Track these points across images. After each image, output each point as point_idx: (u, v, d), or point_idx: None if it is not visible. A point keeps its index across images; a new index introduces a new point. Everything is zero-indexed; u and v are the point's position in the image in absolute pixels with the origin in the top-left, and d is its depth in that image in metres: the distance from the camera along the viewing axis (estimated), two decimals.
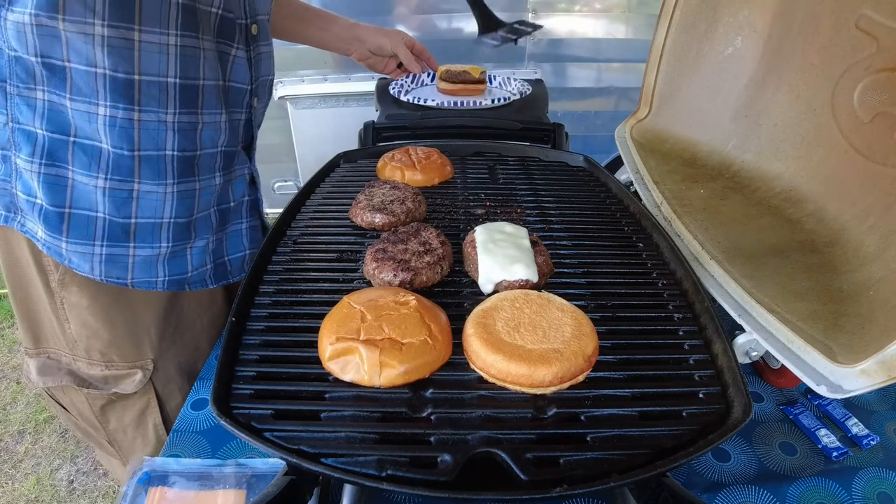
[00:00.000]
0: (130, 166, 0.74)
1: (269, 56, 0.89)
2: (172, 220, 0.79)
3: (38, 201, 0.74)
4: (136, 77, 0.69)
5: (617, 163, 1.31)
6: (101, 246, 0.77)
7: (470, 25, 2.14)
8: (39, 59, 0.67)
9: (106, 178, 0.74)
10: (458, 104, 1.33)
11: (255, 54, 0.84)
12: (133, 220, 0.77)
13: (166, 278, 0.83)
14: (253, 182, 0.94)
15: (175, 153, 0.76)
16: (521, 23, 1.22)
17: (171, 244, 0.81)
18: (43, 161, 0.72)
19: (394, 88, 1.40)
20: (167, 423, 0.92)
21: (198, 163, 0.79)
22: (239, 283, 0.94)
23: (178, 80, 0.72)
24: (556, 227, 0.85)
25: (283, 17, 1.11)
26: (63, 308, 0.82)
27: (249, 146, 0.92)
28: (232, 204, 0.89)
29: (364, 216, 0.82)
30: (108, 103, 0.70)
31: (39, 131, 0.72)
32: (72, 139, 0.72)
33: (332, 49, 1.23)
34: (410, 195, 0.84)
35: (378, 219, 0.81)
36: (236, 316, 0.62)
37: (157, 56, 0.70)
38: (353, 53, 1.23)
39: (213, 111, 0.78)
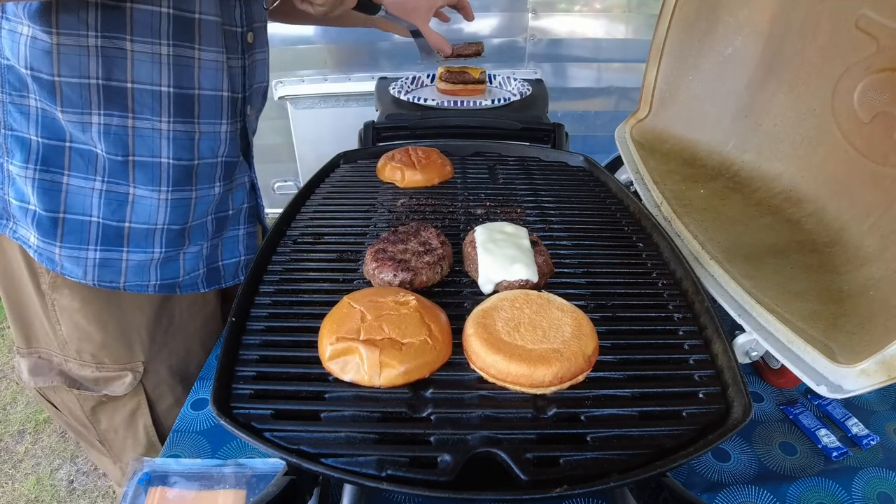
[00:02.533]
0: (125, 171, 0.74)
1: (264, 63, 0.88)
2: (166, 227, 0.79)
3: (32, 207, 0.74)
4: (129, 85, 0.70)
5: (617, 163, 1.31)
6: (95, 250, 0.77)
7: (470, 26, 2.14)
8: (30, 72, 0.67)
9: (103, 181, 0.74)
10: (458, 104, 1.33)
11: (250, 62, 0.83)
12: (127, 225, 0.77)
13: (158, 282, 0.83)
14: (253, 188, 0.94)
15: (171, 161, 0.76)
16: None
17: (164, 250, 0.81)
18: (38, 167, 0.72)
19: (394, 88, 1.40)
20: (158, 423, 0.92)
21: (196, 172, 0.79)
22: (230, 287, 0.94)
23: (171, 90, 0.72)
24: (556, 227, 0.85)
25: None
26: (54, 310, 0.82)
27: (247, 154, 0.92)
28: (231, 212, 0.89)
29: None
30: (101, 111, 0.70)
31: (34, 137, 0.71)
32: (68, 144, 0.72)
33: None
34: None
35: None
36: (236, 316, 0.62)
37: (149, 65, 0.70)
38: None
39: (212, 121, 0.78)
